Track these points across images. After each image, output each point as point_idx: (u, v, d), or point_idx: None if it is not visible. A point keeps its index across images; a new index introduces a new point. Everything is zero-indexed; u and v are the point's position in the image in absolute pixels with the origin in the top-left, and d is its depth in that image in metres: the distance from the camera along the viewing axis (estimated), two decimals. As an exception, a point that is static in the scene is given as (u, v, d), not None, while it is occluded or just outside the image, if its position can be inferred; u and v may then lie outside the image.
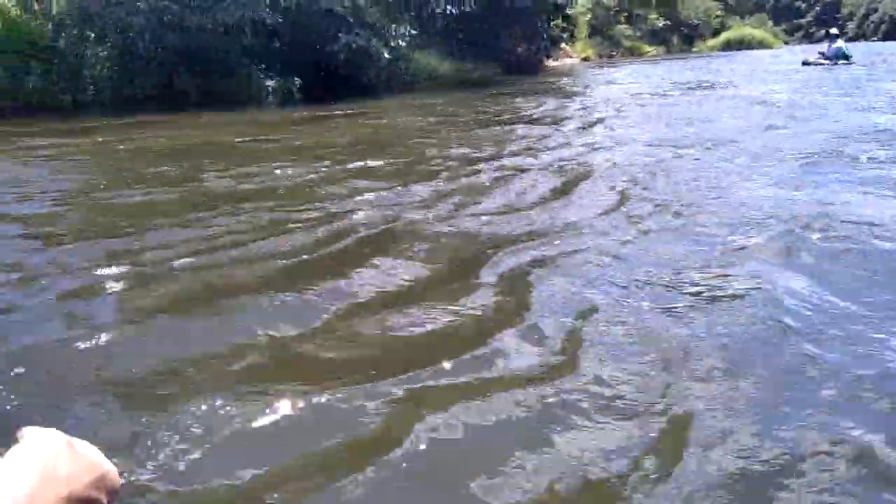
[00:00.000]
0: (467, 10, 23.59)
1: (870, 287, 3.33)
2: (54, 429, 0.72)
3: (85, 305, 3.37)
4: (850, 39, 52.81)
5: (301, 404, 2.34)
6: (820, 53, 23.01)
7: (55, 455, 0.67)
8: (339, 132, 10.79)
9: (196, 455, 2.07)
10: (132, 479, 1.91)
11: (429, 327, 3.03)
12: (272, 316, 3.16)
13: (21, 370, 2.64)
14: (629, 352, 2.74)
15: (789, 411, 2.28)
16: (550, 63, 32.02)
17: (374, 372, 2.57)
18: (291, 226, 4.76)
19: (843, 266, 3.64)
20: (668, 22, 49.52)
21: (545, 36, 29.62)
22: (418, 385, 2.47)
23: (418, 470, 2.00)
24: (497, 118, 12.02)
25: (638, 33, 46.45)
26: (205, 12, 13.98)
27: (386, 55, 15.55)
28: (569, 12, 30.88)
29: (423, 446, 2.09)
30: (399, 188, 5.94)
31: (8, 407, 2.37)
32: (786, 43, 67.89)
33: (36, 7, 17.95)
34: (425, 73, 21.16)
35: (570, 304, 3.24)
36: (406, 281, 3.66)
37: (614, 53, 41.44)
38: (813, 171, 6.10)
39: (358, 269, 3.80)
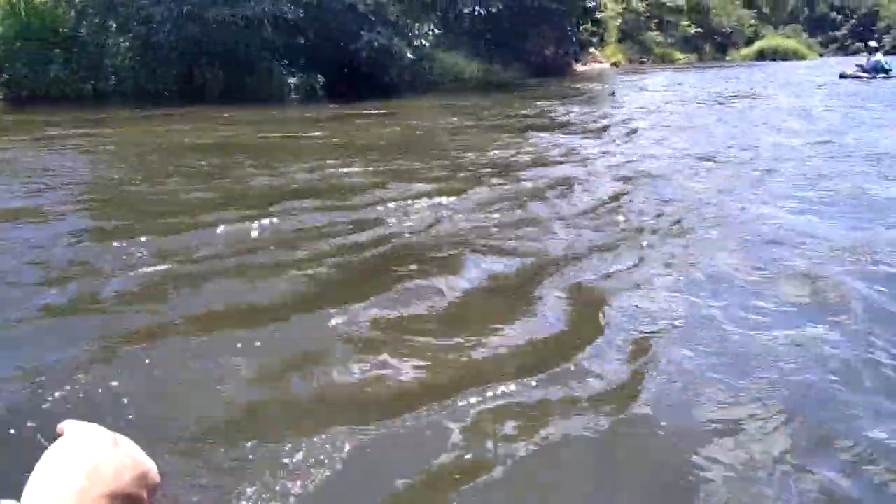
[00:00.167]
0: (494, 10, 23.16)
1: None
2: (97, 424, 0.70)
3: (129, 310, 3.23)
4: (887, 53, 51.47)
5: (373, 430, 2.23)
6: (858, 66, 22.28)
7: (100, 451, 0.65)
8: (370, 132, 10.52)
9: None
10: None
11: (495, 345, 2.88)
12: (322, 333, 2.97)
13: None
14: (703, 371, 2.63)
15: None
16: (579, 67, 31.48)
17: (446, 393, 2.45)
18: (335, 229, 4.58)
19: None
20: (700, 29, 48.66)
21: (574, 39, 29.10)
22: (494, 405, 2.38)
23: (507, 495, 1.98)
24: (530, 122, 11.64)
25: (669, 40, 45.68)
26: (226, 4, 13.66)
27: (409, 55, 15.14)
28: (598, 16, 30.31)
29: (510, 470, 2.06)
30: (441, 193, 5.70)
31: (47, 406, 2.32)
32: (820, 55, 66.50)
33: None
34: (451, 74, 20.76)
35: (638, 319, 3.13)
36: (460, 295, 3.49)
37: (645, 60, 40.75)
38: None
39: (409, 280, 3.63)
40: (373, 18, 14.27)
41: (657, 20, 44.52)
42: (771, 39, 56.58)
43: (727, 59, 50.96)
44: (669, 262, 3.97)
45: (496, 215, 5.07)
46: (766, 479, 2.02)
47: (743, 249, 4.15)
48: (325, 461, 2.07)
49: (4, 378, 2.52)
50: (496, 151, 8.15)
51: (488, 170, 6.98)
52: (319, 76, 16.35)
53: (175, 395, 2.50)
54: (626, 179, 6.43)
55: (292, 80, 16.15)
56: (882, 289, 3.45)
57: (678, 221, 4.88)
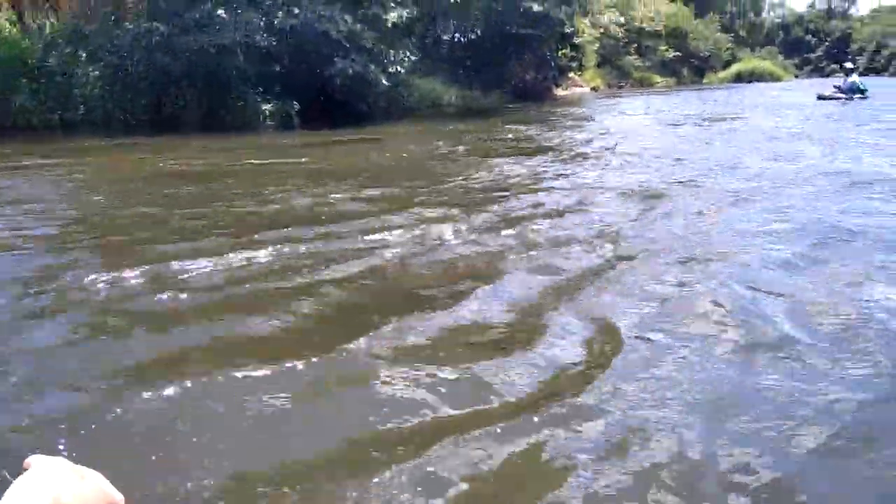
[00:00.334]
0: (473, 36, 23.14)
1: None
2: (61, 457, 0.69)
3: (119, 346, 3.13)
4: (861, 74, 52.22)
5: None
6: (836, 87, 22.40)
7: (64, 484, 0.65)
8: (353, 159, 10.30)
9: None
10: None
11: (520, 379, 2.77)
12: (320, 369, 2.85)
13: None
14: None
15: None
16: (559, 91, 31.52)
17: (460, 427, 2.37)
18: (328, 258, 4.47)
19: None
20: (678, 53, 49.13)
21: (553, 64, 29.15)
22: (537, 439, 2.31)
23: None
24: (512, 148, 11.46)
25: (648, 64, 46.04)
26: (198, 33, 13.40)
27: (384, 81, 14.90)
28: (576, 41, 30.43)
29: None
30: (431, 219, 5.62)
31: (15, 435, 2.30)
32: (795, 76, 67.51)
33: (33, 24, 17.59)
34: (429, 100, 20.58)
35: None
36: (457, 324, 3.36)
37: (623, 84, 40.98)
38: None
39: (405, 313, 3.48)
40: (347, 45, 14.02)
41: (635, 45, 44.88)
42: (747, 62, 57.31)
43: (705, 81, 51.45)
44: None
45: (488, 241, 4.96)
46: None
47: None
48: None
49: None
50: (481, 177, 8.02)
51: (475, 196, 6.85)
52: (294, 103, 16.08)
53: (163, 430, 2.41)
54: (611, 203, 6.36)
55: (266, 107, 15.87)
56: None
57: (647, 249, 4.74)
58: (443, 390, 2.67)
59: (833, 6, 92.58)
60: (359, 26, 14.09)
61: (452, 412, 2.51)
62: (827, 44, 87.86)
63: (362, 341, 3.11)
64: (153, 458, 2.24)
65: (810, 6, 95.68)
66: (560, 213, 5.96)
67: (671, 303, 3.64)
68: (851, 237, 4.77)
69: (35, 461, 0.69)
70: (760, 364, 2.88)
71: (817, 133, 12.20)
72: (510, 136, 13.52)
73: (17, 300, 3.71)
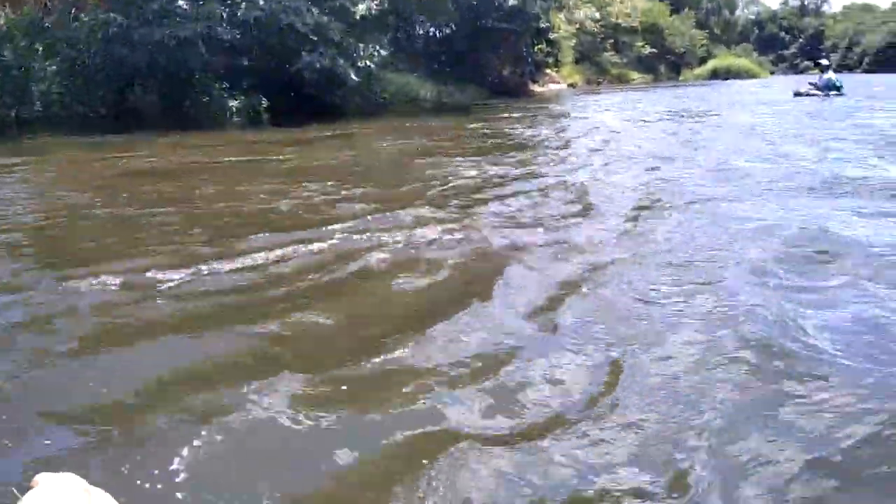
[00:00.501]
0: (448, 31, 22.74)
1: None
2: (71, 474, 0.69)
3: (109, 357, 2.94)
4: (834, 70, 52.63)
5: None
6: (811, 84, 22.32)
7: (73, 500, 0.65)
8: (329, 155, 9.96)
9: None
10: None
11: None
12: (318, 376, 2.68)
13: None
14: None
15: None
16: (536, 88, 31.22)
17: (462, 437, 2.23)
18: (314, 257, 4.33)
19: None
20: (655, 50, 49.13)
21: (530, 60, 28.83)
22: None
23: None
24: (488, 144, 11.15)
25: (625, 60, 45.97)
26: (155, 25, 12.83)
27: (353, 76, 14.40)
28: (551, 37, 30.12)
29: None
30: (417, 219, 5.46)
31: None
32: (771, 73, 67.99)
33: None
34: (403, 96, 20.12)
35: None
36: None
37: (601, 80, 40.83)
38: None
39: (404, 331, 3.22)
40: (314, 38, 13.50)
41: (612, 41, 44.76)
42: (723, 59, 57.53)
43: (681, 78, 51.58)
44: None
45: (466, 236, 4.89)
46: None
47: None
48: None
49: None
50: (457, 174, 7.79)
51: (455, 195, 6.60)
52: (263, 99, 15.56)
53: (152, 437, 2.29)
54: (587, 200, 6.20)
55: (233, 103, 15.32)
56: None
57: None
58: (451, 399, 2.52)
59: (806, 3, 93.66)
60: (326, 18, 13.55)
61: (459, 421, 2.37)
62: (801, 41, 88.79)
63: (356, 350, 2.96)
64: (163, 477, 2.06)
65: (783, 3, 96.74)
66: (530, 207, 5.86)
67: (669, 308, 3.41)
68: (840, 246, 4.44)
69: (43, 479, 0.68)
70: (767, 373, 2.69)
71: (797, 130, 11.96)
72: (486, 132, 13.16)
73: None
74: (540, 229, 5.13)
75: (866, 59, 72.18)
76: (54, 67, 15.02)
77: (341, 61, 13.91)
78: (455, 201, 6.19)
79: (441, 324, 3.21)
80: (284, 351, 2.98)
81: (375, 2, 14.98)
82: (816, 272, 3.92)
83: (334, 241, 4.68)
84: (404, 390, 2.59)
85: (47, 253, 4.78)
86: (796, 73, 70.32)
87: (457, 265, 4.26)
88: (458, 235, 4.90)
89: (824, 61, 25.15)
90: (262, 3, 13.46)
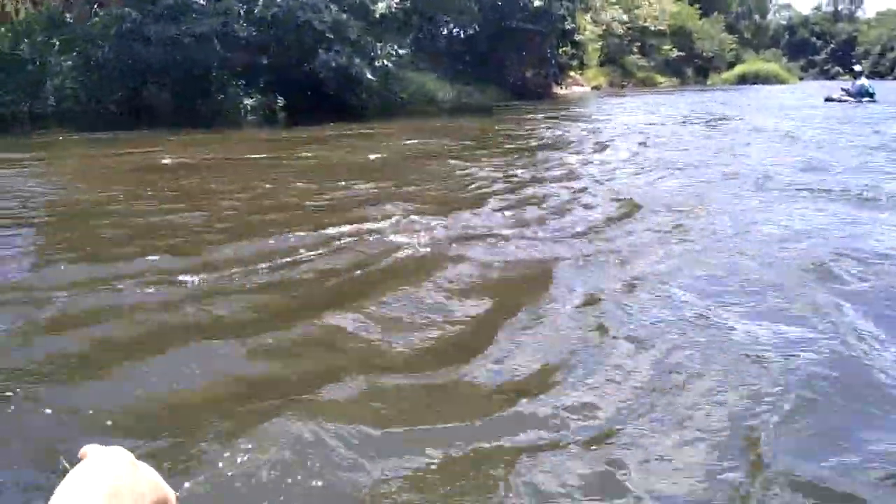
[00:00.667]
0: (471, 31, 22.33)
1: None
2: (119, 447, 0.69)
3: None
4: (867, 77, 51.49)
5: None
6: (843, 90, 21.63)
7: (120, 475, 0.65)
8: (352, 155, 9.83)
9: None
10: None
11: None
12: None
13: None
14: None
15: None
16: (559, 90, 30.71)
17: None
18: (341, 255, 4.30)
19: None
20: (682, 53, 48.31)
21: (554, 62, 28.33)
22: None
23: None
24: (513, 146, 10.91)
25: (651, 63, 45.24)
26: (171, 21, 12.58)
27: (369, 75, 14.03)
28: (577, 38, 29.57)
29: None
30: (438, 214, 5.43)
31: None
32: (800, 79, 66.63)
33: (8, 7, 16.79)
34: (422, 96, 19.75)
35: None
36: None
37: (626, 83, 40.17)
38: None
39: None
40: (331, 37, 13.16)
41: (639, 43, 44.07)
42: (752, 63, 56.43)
43: (709, 82, 50.66)
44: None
45: (504, 240, 4.78)
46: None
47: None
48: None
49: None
50: (485, 174, 7.73)
51: (481, 192, 6.57)
52: (279, 97, 15.27)
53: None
54: (619, 203, 6.07)
55: (249, 101, 15.04)
56: None
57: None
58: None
59: (839, 9, 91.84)
60: (344, 16, 13.21)
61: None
62: (832, 46, 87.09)
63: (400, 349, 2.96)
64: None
65: (816, 8, 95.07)
66: (561, 213, 5.72)
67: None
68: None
69: (92, 451, 0.68)
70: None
71: (830, 137, 11.39)
72: (510, 134, 12.79)
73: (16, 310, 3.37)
74: (577, 234, 4.97)
75: (900, 66, 70.53)
76: (70, 63, 14.86)
77: (357, 60, 13.55)
78: (487, 202, 6.05)
79: (494, 331, 3.14)
80: (329, 356, 2.89)
81: (396, 0, 14.60)
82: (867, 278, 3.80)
83: (365, 242, 4.58)
84: (465, 401, 2.52)
85: (68, 249, 4.65)
86: (826, 79, 68.92)
87: (487, 267, 4.14)
88: (488, 238, 4.78)
89: (858, 67, 24.42)
90: (279, 0, 13.17)
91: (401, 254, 4.36)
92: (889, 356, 2.78)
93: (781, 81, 52.64)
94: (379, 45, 13.87)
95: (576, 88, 33.47)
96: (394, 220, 5.19)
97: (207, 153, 9.84)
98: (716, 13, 57.06)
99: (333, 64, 13.33)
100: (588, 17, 32.97)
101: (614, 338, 3.04)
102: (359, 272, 4.01)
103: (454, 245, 4.56)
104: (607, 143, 10.97)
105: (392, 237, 4.71)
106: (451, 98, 21.10)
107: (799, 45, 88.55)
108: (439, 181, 7.38)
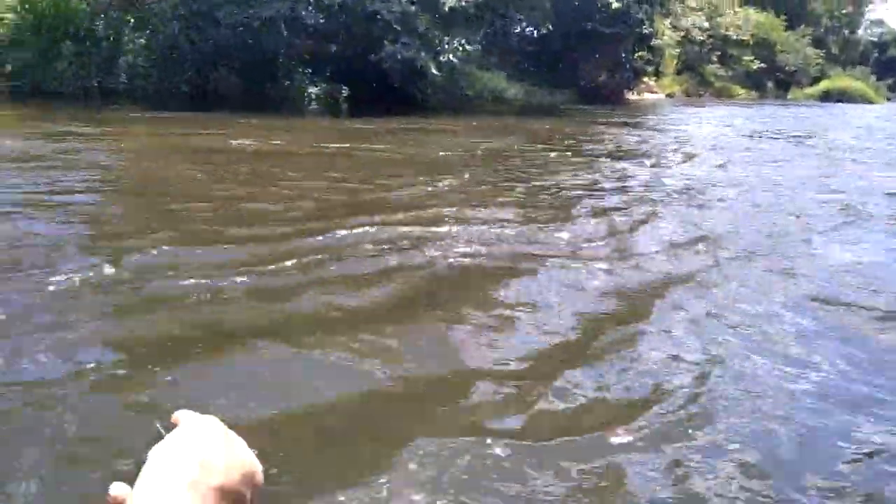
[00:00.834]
0: (545, 31, 21.74)
1: None
2: (212, 416, 0.69)
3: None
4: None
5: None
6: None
7: (214, 445, 0.65)
8: (423, 149, 9.81)
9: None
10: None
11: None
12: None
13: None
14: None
15: None
16: (632, 96, 29.80)
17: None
18: (423, 252, 4.24)
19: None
20: (764, 65, 46.40)
21: (628, 66, 27.45)
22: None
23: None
24: (588, 150, 10.75)
25: (730, 74, 43.61)
26: (240, 5, 12.49)
27: (433, 69, 13.66)
28: (654, 44, 28.55)
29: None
30: (523, 221, 5.33)
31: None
32: (887, 99, 63.31)
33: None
34: (489, 94, 19.29)
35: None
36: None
37: (702, 93, 38.78)
38: None
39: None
40: (398, 28, 12.84)
41: (719, 52, 42.52)
42: (837, 80, 53.81)
43: (790, 97, 48.57)
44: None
45: (588, 245, 4.69)
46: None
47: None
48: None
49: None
50: (560, 177, 7.60)
51: (560, 199, 6.43)
52: (344, 87, 15.07)
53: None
54: (706, 222, 5.79)
55: (314, 89, 14.90)
56: None
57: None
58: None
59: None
60: (413, 8, 12.87)
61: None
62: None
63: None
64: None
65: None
66: (635, 222, 5.53)
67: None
68: None
69: (185, 418, 0.68)
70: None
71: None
72: (582, 137, 12.31)
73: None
74: (660, 249, 4.74)
75: None
76: (143, 41, 14.99)
77: (423, 53, 13.19)
78: (568, 211, 5.85)
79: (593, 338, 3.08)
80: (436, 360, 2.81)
81: (469, -7, 14.20)
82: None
83: (444, 241, 4.47)
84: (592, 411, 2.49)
85: (156, 230, 4.59)
86: (918, 100, 65.36)
87: (570, 276, 3.96)
88: (576, 251, 4.60)
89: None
90: (350, -13, 12.94)
91: (488, 262, 4.20)
92: None
93: (868, 101, 50.01)
94: (446, 39, 13.48)
95: (649, 95, 32.46)
96: (475, 225, 5.01)
97: (278, 139, 9.83)
98: (802, 26, 54.67)
99: (399, 56, 13.02)
100: (668, 22, 31.86)
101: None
102: (448, 275, 3.94)
103: (539, 255, 4.37)
104: (690, 155, 10.39)
105: (476, 247, 4.52)
106: (519, 97, 20.58)
107: (888, 63, 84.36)
108: (515, 183, 7.18)
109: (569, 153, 9.88)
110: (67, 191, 5.53)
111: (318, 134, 11.11)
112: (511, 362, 2.87)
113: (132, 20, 15.15)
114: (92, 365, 2.58)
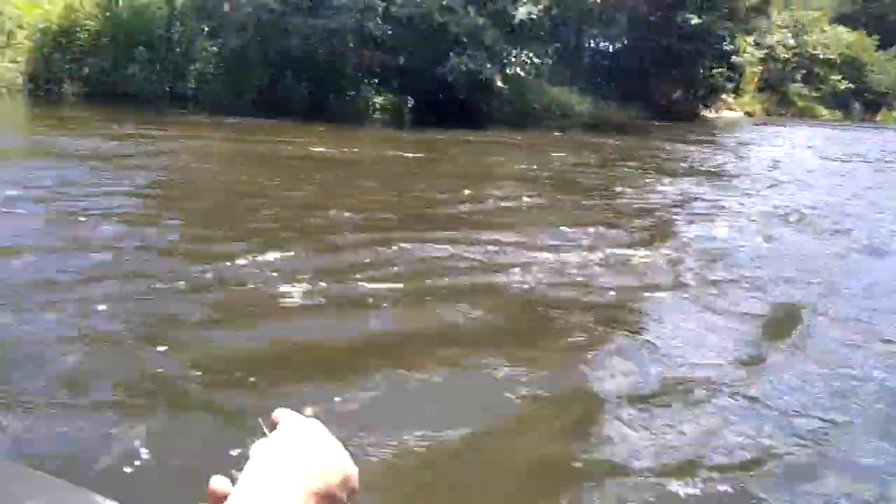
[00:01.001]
0: (619, 45, 21.15)
1: None
2: (314, 418, 0.70)
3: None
4: None
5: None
6: None
7: (316, 447, 0.66)
8: (498, 163, 9.50)
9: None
10: None
11: None
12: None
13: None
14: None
15: None
16: (708, 114, 28.73)
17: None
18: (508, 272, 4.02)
19: None
20: (852, 86, 44.19)
21: (706, 83, 26.48)
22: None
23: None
24: (668, 168, 10.22)
25: (814, 94, 41.70)
26: (308, 15, 12.50)
27: (499, 82, 13.31)
28: (735, 60, 27.43)
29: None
30: (622, 241, 5.05)
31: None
32: None
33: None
34: (557, 108, 18.81)
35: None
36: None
37: (783, 112, 37.16)
38: None
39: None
40: (465, 41, 12.56)
41: (804, 71, 40.72)
42: (933, 104, 50.82)
43: (878, 118, 46.11)
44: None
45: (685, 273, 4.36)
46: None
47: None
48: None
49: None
50: (647, 197, 7.27)
51: (652, 219, 6.10)
52: (409, 98, 14.92)
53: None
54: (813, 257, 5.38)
55: (379, 99, 14.80)
56: None
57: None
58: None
59: None
60: (482, 21, 12.59)
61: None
62: None
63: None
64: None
65: None
66: (722, 250, 5.14)
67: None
68: None
69: (286, 417, 0.68)
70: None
71: None
72: (661, 155, 11.78)
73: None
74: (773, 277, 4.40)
75: None
76: (215, 49, 15.22)
77: (489, 66, 12.88)
78: (665, 234, 5.56)
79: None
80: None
81: (539, 6, 13.79)
82: None
83: (540, 262, 4.22)
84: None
85: (254, 234, 4.62)
86: None
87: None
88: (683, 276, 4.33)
89: None
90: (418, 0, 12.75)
91: (585, 286, 3.94)
92: None
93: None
94: (514, 52, 13.13)
95: (727, 113, 31.26)
96: (567, 243, 4.77)
97: (347, 147, 9.80)
98: (895, 46, 51.94)
99: (464, 68, 12.74)
100: (751, 39, 30.63)
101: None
102: (549, 297, 3.69)
103: (645, 280, 4.13)
104: (777, 179, 9.73)
105: (572, 269, 4.29)
106: (588, 112, 20.02)
107: None
108: (600, 201, 6.95)
109: (647, 170, 9.39)
110: (146, 194, 5.67)
111: (386, 143, 11.06)
112: (644, 391, 2.75)
113: (206, 28, 15.40)
114: (199, 373, 2.60)
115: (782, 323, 3.63)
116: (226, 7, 16.28)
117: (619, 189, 7.62)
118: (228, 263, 3.80)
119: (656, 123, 21.45)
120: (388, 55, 14.61)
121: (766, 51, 33.76)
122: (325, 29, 12.53)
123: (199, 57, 15.20)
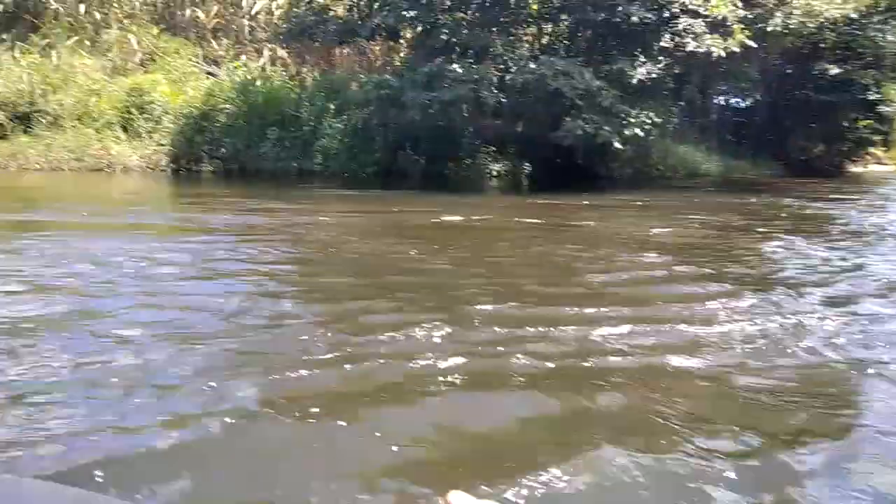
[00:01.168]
0: (751, 101, 20.16)
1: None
2: (489, 501, 0.71)
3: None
4: None
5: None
6: None
7: None
8: (636, 228, 8.90)
9: None
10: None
11: None
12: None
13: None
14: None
15: None
16: (853, 168, 26.61)
17: None
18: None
19: None
20: None
21: (849, 136, 24.61)
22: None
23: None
24: (823, 230, 9.22)
25: (981, 143, 37.73)
26: (425, 88, 12.80)
27: (617, 144, 12.88)
28: (882, 111, 25.36)
29: None
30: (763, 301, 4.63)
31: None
32: None
33: (306, 77, 18.74)
34: (682, 168, 18.02)
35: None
36: None
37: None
38: None
39: None
40: (580, 103, 12.34)
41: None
42: None
43: None
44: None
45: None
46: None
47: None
48: None
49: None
50: (802, 262, 6.57)
51: (810, 287, 5.35)
52: (526, 164, 14.80)
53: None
54: None
55: (496, 166, 14.78)
56: None
57: None
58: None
59: None
60: (597, 83, 12.34)
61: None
62: None
63: None
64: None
65: None
66: None
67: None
68: None
69: (457, 499, 0.69)
70: None
71: None
72: (806, 215, 10.80)
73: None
74: None
75: None
76: (340, 126, 15.89)
77: (607, 128, 12.52)
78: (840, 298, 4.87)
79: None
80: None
81: (660, 65, 13.38)
82: None
83: (707, 330, 3.87)
84: None
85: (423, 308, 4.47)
86: None
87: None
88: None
89: None
90: (532, 65, 12.71)
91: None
92: None
93: None
94: (633, 112, 12.73)
95: (875, 167, 28.84)
96: (748, 318, 4.20)
97: (476, 214, 9.71)
98: None
99: (580, 132, 12.47)
100: (900, 86, 28.34)
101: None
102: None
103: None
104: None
105: (768, 343, 3.74)
106: (717, 172, 19.04)
107: None
108: (760, 267, 6.40)
109: (796, 236, 8.43)
110: (287, 268, 5.82)
111: (511, 210, 10.92)
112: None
113: (332, 106, 16.16)
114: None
115: None
116: (353, 86, 17.14)
117: (773, 254, 6.91)
118: (393, 335, 3.68)
119: (794, 181, 19.99)
120: (505, 123, 14.65)
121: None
122: (442, 101, 12.74)
123: (325, 133, 15.91)
